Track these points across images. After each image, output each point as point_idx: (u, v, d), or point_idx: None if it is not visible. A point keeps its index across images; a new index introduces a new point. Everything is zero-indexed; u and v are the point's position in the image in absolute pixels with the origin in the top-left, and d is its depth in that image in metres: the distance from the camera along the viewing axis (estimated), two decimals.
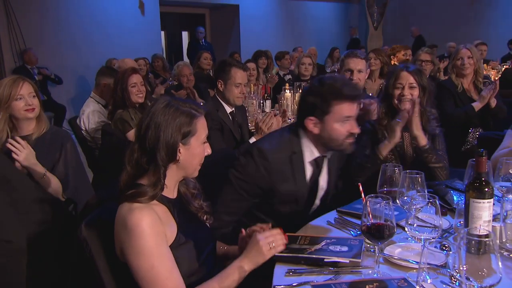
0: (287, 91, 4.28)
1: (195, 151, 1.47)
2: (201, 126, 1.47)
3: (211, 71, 6.66)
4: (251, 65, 5.82)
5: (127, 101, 3.29)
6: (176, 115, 1.41)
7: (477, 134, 3.66)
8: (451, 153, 3.38)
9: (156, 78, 6.70)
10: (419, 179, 1.59)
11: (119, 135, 3.19)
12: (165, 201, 1.45)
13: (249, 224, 1.60)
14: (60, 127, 6.59)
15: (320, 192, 2.08)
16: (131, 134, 3.17)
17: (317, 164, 2.00)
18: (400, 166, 1.71)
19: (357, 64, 3.10)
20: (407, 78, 2.32)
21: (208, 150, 1.52)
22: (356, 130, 1.89)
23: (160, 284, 1.34)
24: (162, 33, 9.80)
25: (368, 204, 1.36)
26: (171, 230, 1.42)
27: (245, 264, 1.41)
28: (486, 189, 1.41)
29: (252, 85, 4.96)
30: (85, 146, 3.64)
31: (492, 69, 5.37)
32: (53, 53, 7.41)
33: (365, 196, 1.46)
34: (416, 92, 2.32)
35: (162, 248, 1.36)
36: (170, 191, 1.49)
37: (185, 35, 10.98)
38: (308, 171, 1.99)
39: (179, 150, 1.42)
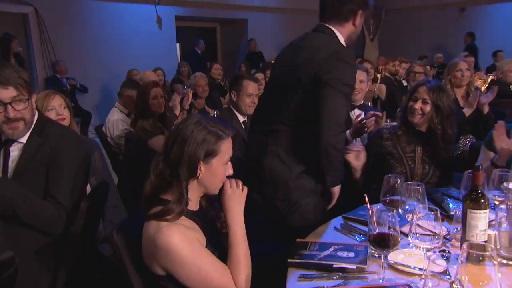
0: None
1: (216, 171, 1.41)
2: (226, 148, 1.41)
3: (222, 80, 6.67)
4: (259, 75, 5.80)
5: (148, 111, 3.29)
6: (203, 133, 1.36)
7: (467, 141, 3.62)
8: (445, 159, 3.38)
9: (180, 83, 6.63)
10: (420, 190, 1.57)
11: (140, 143, 3.18)
12: (190, 214, 1.41)
13: None
14: (86, 133, 6.67)
15: None
16: (152, 142, 3.18)
17: None
18: (402, 176, 1.68)
19: (360, 75, 3.05)
20: (423, 93, 2.20)
21: (230, 171, 1.46)
22: None
23: (214, 281, 1.34)
24: (178, 44, 9.79)
25: (374, 214, 1.35)
26: (202, 237, 1.39)
27: (233, 213, 1.44)
28: (482, 201, 1.38)
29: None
30: (110, 151, 3.66)
31: (479, 79, 5.30)
32: (80, 64, 7.41)
33: (370, 206, 1.45)
34: (428, 108, 2.18)
35: (200, 251, 1.34)
36: (193, 204, 1.46)
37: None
38: None
39: (200, 167, 1.37)
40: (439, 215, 1.34)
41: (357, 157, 2.16)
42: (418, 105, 2.20)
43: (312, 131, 1.83)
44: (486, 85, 4.88)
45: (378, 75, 6.92)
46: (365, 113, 3.27)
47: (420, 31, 11.22)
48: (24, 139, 1.79)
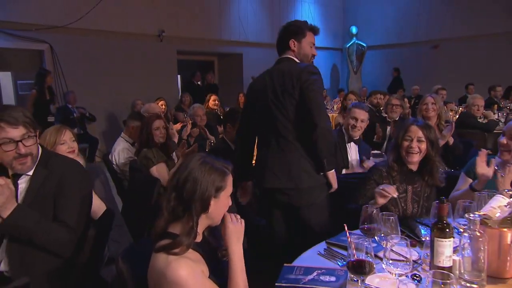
0: None
1: (222, 203, 1.46)
2: (230, 182, 1.47)
3: (218, 110, 6.76)
4: None
5: (151, 141, 3.34)
6: (211, 171, 1.41)
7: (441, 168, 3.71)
8: None
9: (181, 111, 6.71)
10: (392, 219, 1.61)
11: (143, 170, 3.21)
12: (195, 246, 1.41)
13: None
14: (94, 157, 6.68)
15: None
16: (154, 170, 3.23)
17: None
18: (378, 208, 1.73)
19: (361, 114, 3.27)
20: (416, 132, 2.20)
21: (230, 202, 1.51)
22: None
23: None
24: (178, 76, 9.92)
25: (352, 243, 1.40)
26: (205, 269, 1.42)
27: (233, 246, 1.47)
28: (447, 230, 1.44)
29: None
30: (115, 177, 3.68)
31: (451, 110, 5.44)
32: (89, 94, 7.48)
33: (349, 235, 1.50)
34: (423, 146, 2.19)
35: (204, 282, 1.36)
36: (199, 236, 1.48)
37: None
38: None
39: (211, 203, 1.41)
40: (408, 243, 1.39)
41: (384, 197, 2.07)
42: (414, 144, 2.19)
43: (307, 126, 2.26)
44: (457, 116, 5.01)
45: None
46: (359, 147, 3.37)
47: (397, 65, 11.49)
48: (30, 172, 1.80)
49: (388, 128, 4.60)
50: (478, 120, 4.84)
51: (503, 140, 2.18)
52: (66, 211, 1.78)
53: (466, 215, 1.56)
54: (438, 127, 3.87)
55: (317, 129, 2.23)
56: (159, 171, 3.23)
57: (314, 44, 2.53)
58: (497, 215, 1.53)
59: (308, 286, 1.46)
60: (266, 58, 10.70)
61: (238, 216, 1.54)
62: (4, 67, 7.04)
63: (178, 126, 5.16)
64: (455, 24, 10.55)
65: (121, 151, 3.64)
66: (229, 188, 1.47)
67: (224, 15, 9.95)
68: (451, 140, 3.66)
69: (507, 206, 1.54)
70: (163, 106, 6.30)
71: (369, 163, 3.20)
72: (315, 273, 1.55)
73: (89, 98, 7.45)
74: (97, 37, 7.74)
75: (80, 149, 6.71)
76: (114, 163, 3.63)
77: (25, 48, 7.01)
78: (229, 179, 1.46)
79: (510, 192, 1.58)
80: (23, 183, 1.81)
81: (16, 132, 1.69)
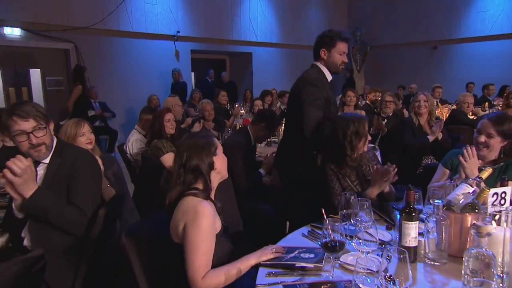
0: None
1: (221, 157, 1.72)
2: (217, 142, 1.71)
3: (227, 105, 6.82)
4: (258, 102, 5.95)
5: (162, 132, 3.40)
6: (201, 140, 1.66)
7: (428, 161, 3.74)
8: (409, 175, 3.48)
9: (192, 107, 6.79)
10: (367, 204, 1.66)
11: (154, 159, 3.28)
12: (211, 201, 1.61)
13: None
14: (113, 148, 6.81)
15: None
16: (163, 159, 3.31)
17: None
18: (355, 193, 1.80)
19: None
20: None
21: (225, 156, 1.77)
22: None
23: (197, 255, 1.47)
24: (192, 74, 10.01)
25: (328, 225, 1.46)
26: (219, 223, 1.59)
27: (252, 259, 1.56)
28: (413, 214, 1.50)
29: None
30: (129, 166, 3.79)
31: (445, 108, 5.42)
32: (109, 90, 7.63)
33: (326, 217, 1.56)
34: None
35: (212, 233, 1.53)
36: (212, 195, 1.67)
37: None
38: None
39: (214, 160, 1.65)
40: (376, 224, 1.46)
41: (384, 176, 2.06)
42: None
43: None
44: (448, 113, 4.99)
45: (364, 102, 7.08)
46: None
47: (398, 64, 11.39)
48: (47, 160, 1.90)
49: (383, 123, 4.63)
50: (469, 116, 4.82)
51: (482, 138, 2.13)
52: (78, 194, 1.88)
53: (431, 201, 1.61)
54: (428, 123, 3.89)
55: (303, 136, 2.41)
56: (169, 160, 3.30)
57: (345, 53, 2.59)
58: (461, 201, 1.58)
59: (288, 262, 1.54)
60: (274, 57, 10.88)
61: None
62: (34, 64, 7.21)
63: (188, 121, 5.27)
64: (453, 26, 10.39)
65: (134, 142, 3.73)
66: (219, 146, 1.70)
67: (235, 16, 9.98)
68: (440, 135, 3.68)
69: (471, 194, 1.58)
70: (179, 101, 6.37)
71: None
72: (296, 252, 1.63)
73: (109, 94, 7.58)
74: (117, 37, 7.87)
75: (101, 140, 6.81)
76: (128, 152, 3.73)
77: (53, 47, 7.16)
78: (215, 141, 1.71)
79: (476, 181, 1.63)
80: (41, 170, 1.91)
81: (27, 125, 1.78)
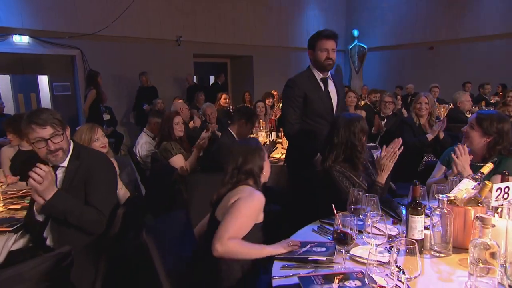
0: None
1: (268, 162, 1.92)
2: (264, 149, 1.92)
3: (229, 107, 6.88)
4: (260, 104, 5.98)
5: (172, 135, 3.45)
6: (255, 148, 1.85)
7: (429, 159, 3.79)
8: (410, 173, 3.53)
9: (196, 109, 6.75)
10: (375, 200, 1.71)
11: (163, 161, 3.34)
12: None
13: None
14: (119, 151, 6.87)
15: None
16: (172, 160, 3.37)
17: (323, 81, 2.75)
18: (363, 190, 1.85)
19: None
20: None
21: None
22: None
23: (234, 223, 1.61)
24: (195, 77, 10.07)
25: (339, 219, 1.52)
26: (261, 216, 1.75)
27: (269, 249, 1.63)
28: (419, 208, 1.55)
29: (260, 120, 5.12)
30: (138, 168, 3.82)
31: (443, 108, 5.46)
32: (114, 94, 7.70)
33: (337, 213, 1.62)
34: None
35: (253, 217, 1.69)
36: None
37: (212, 78, 11.25)
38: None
39: (263, 165, 1.85)
40: (384, 219, 1.52)
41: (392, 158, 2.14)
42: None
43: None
44: (446, 113, 5.04)
45: (362, 102, 7.14)
46: None
47: (396, 65, 11.45)
48: (65, 164, 1.96)
49: (383, 122, 4.69)
50: (466, 115, 4.88)
51: (464, 128, 2.31)
52: (95, 196, 1.93)
53: (436, 196, 1.67)
54: (429, 123, 3.95)
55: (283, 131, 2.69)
56: (177, 162, 3.36)
57: (327, 49, 2.67)
58: (464, 196, 1.63)
59: (301, 256, 1.60)
60: (274, 60, 10.95)
61: None
62: (41, 70, 7.29)
63: (195, 122, 5.33)
64: (449, 27, 10.46)
65: (144, 144, 3.79)
66: (265, 153, 1.90)
67: (236, 21, 10.05)
68: (441, 135, 3.74)
69: (473, 188, 1.64)
70: (185, 104, 6.45)
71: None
72: (308, 246, 1.68)
73: (115, 98, 7.66)
74: (122, 43, 7.94)
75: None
76: (138, 155, 3.78)
77: (60, 54, 7.24)
78: (263, 146, 1.92)
79: (476, 177, 1.68)
80: (60, 173, 1.97)
81: (45, 132, 1.85)
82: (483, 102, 6.02)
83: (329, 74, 2.81)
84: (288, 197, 3.03)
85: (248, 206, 1.66)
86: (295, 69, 10.98)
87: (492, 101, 6.89)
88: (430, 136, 3.78)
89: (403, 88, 9.44)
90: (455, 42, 10.37)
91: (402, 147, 2.16)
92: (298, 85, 2.69)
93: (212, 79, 11.16)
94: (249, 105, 7.38)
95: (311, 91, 2.70)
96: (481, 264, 1.14)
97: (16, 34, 6.62)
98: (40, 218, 1.91)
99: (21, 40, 6.70)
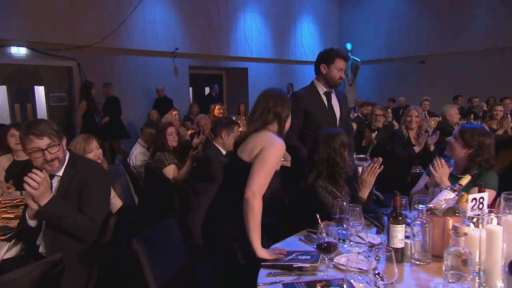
0: None
1: (290, 119, 2.05)
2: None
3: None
4: None
5: (165, 145, 3.51)
6: (287, 98, 2.00)
7: (417, 170, 3.87)
8: (399, 184, 3.60)
9: (190, 121, 6.83)
10: (358, 210, 1.75)
11: (156, 171, 3.39)
12: None
13: None
14: (114, 160, 6.89)
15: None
16: (166, 171, 3.42)
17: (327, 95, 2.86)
18: (345, 196, 1.91)
19: None
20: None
21: None
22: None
23: (262, 172, 1.77)
24: (190, 88, 10.15)
25: (322, 229, 1.57)
26: (279, 163, 1.90)
27: (258, 247, 1.72)
28: (400, 218, 1.60)
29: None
30: (132, 178, 3.87)
31: (433, 121, 5.58)
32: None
33: (321, 222, 1.67)
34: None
35: (276, 164, 1.83)
36: None
37: (207, 90, 11.33)
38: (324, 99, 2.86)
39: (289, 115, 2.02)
40: (365, 228, 1.57)
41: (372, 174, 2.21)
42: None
43: None
44: (435, 126, 5.15)
45: (355, 114, 7.25)
46: None
47: (388, 78, 11.63)
48: (60, 173, 2.00)
49: (373, 135, 4.77)
50: (455, 128, 4.97)
51: (448, 139, 2.41)
52: (88, 204, 1.97)
53: (416, 206, 1.73)
54: (418, 135, 4.04)
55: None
56: (170, 172, 3.42)
57: (342, 69, 2.83)
58: (443, 206, 1.70)
59: (286, 263, 1.64)
60: (268, 72, 11.09)
61: None
62: (38, 81, 7.33)
63: (188, 132, 5.38)
64: (440, 42, 10.68)
65: (138, 155, 3.84)
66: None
67: (231, 33, 10.20)
68: (431, 147, 3.84)
69: (452, 199, 1.71)
70: (176, 116, 6.52)
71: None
72: (294, 254, 1.72)
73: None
74: (118, 55, 8.02)
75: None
76: (132, 165, 3.83)
77: (57, 65, 7.30)
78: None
79: (455, 188, 1.75)
80: (55, 182, 2.01)
81: (42, 142, 1.89)
82: (472, 116, 6.15)
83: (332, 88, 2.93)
84: (280, 208, 3.07)
85: (273, 155, 1.80)
86: (288, 81, 11.16)
87: (481, 114, 7.02)
88: (417, 148, 3.87)
89: (395, 100, 9.58)
90: (445, 56, 10.58)
91: (382, 166, 2.21)
92: (300, 99, 2.79)
93: (207, 90, 11.25)
94: (243, 117, 7.46)
95: (313, 105, 2.82)
96: (453, 271, 1.20)
97: (13, 46, 6.69)
98: (32, 224, 1.94)
99: (19, 51, 6.77)
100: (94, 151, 2.50)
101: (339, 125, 2.89)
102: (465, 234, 1.30)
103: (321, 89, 2.87)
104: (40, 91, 7.38)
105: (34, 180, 1.78)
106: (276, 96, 1.95)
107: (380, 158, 2.22)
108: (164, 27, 8.78)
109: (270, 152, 1.79)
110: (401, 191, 2.79)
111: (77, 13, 7.34)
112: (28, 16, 6.72)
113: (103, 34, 7.62)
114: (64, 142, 2.03)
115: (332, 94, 2.91)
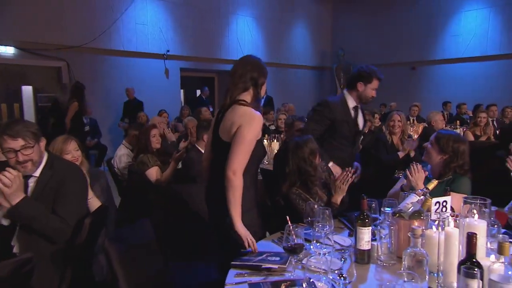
0: (265, 141, 4.54)
1: (264, 88, 2.13)
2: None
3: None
4: None
5: (149, 147, 3.51)
6: (264, 66, 2.09)
7: (400, 175, 3.92)
8: (383, 189, 3.65)
9: (180, 123, 6.80)
10: (327, 212, 1.80)
11: (139, 173, 3.40)
12: None
13: None
14: (101, 163, 6.88)
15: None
16: (148, 173, 3.42)
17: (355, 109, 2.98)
18: (318, 202, 1.96)
19: None
20: None
21: None
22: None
23: (242, 149, 1.83)
24: (181, 91, 10.18)
25: (291, 231, 1.62)
26: (260, 133, 1.95)
27: (238, 221, 1.83)
28: (367, 221, 1.66)
29: None
30: (116, 179, 3.89)
31: (421, 125, 5.66)
32: (100, 106, 7.76)
33: (290, 224, 1.72)
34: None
35: (256, 138, 1.90)
36: None
37: (198, 92, 11.36)
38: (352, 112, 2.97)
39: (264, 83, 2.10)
40: (333, 230, 1.62)
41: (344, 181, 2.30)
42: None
43: None
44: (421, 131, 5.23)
45: None
46: None
47: (380, 83, 11.71)
48: (37, 173, 2.01)
49: (360, 139, 4.84)
50: None
51: (425, 144, 2.50)
52: (62, 205, 1.97)
53: (382, 209, 1.78)
54: (401, 140, 4.11)
55: None
56: (152, 174, 3.43)
57: (376, 89, 3.01)
58: (410, 209, 1.75)
59: (255, 264, 1.68)
60: None
61: None
62: (26, 81, 7.33)
63: (176, 135, 5.41)
64: (430, 49, 10.84)
65: (122, 156, 3.86)
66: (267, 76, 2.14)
67: (223, 36, 10.26)
68: (412, 153, 3.91)
69: (418, 202, 1.76)
70: (165, 118, 6.55)
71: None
72: (264, 255, 1.76)
73: (100, 110, 7.71)
74: (109, 56, 8.05)
75: (90, 155, 6.80)
76: (116, 167, 3.84)
77: (45, 65, 7.31)
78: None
79: (422, 192, 1.81)
80: (32, 182, 2.02)
81: (16, 144, 1.90)
82: (458, 122, 6.25)
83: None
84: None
85: (251, 132, 1.85)
86: (281, 85, 11.24)
87: (469, 120, 7.13)
88: (401, 154, 3.94)
89: (387, 105, 9.69)
90: (436, 63, 10.73)
91: (356, 176, 2.32)
92: (331, 109, 2.91)
93: (198, 92, 11.27)
94: None
95: (342, 117, 2.94)
96: (407, 270, 1.25)
97: (1, 45, 6.68)
98: (5, 222, 1.95)
99: (6, 51, 6.77)
100: (72, 153, 2.50)
101: (358, 138, 3.07)
102: (422, 235, 1.35)
103: (351, 103, 3.00)
104: (27, 91, 7.37)
105: (8, 178, 1.80)
106: (253, 62, 2.02)
107: (351, 168, 2.27)
108: (155, 29, 8.82)
109: (248, 130, 1.84)
110: (384, 196, 2.88)
111: (67, 14, 7.36)
112: (16, 16, 6.73)
113: (94, 35, 7.65)
114: (42, 143, 2.04)
115: (359, 109, 3.06)
